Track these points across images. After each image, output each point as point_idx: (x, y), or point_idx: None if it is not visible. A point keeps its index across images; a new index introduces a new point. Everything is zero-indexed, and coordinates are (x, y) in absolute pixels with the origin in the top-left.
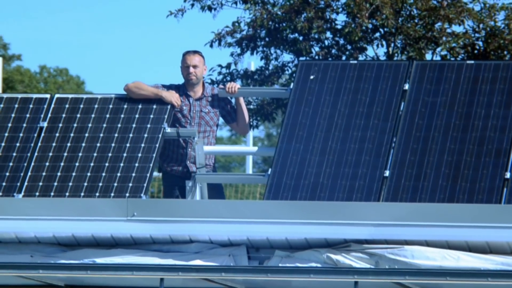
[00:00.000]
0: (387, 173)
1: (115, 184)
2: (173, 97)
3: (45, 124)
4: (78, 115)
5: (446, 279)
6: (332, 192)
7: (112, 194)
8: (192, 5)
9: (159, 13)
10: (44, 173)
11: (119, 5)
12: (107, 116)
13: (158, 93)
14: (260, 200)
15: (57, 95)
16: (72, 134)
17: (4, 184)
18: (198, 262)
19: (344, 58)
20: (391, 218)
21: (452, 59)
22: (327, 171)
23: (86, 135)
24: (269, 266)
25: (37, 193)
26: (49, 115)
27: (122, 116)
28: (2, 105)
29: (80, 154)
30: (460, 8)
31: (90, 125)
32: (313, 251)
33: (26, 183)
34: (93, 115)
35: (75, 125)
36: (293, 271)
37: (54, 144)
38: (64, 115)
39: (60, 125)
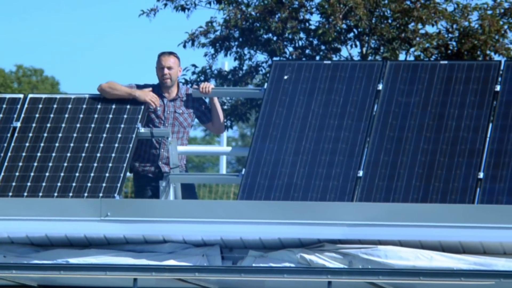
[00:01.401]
0: (360, 173)
1: (89, 184)
2: (147, 95)
3: (18, 124)
4: (52, 115)
5: (419, 279)
6: (306, 192)
7: (86, 194)
8: (165, 4)
9: (131, 12)
10: (17, 173)
11: (92, 6)
12: (81, 116)
13: (131, 93)
14: (234, 200)
15: (30, 95)
16: (45, 134)
17: None
18: (171, 262)
19: (318, 58)
20: (364, 218)
21: (426, 59)
22: (301, 171)
23: (60, 135)
24: (243, 266)
25: (10, 193)
26: (23, 115)
27: (96, 116)
28: None
29: (54, 154)
30: (433, 8)
31: (63, 125)
32: (287, 251)
33: None
34: (66, 115)
35: (48, 125)
36: (266, 271)
37: (27, 144)
38: (37, 115)
39: (34, 125)
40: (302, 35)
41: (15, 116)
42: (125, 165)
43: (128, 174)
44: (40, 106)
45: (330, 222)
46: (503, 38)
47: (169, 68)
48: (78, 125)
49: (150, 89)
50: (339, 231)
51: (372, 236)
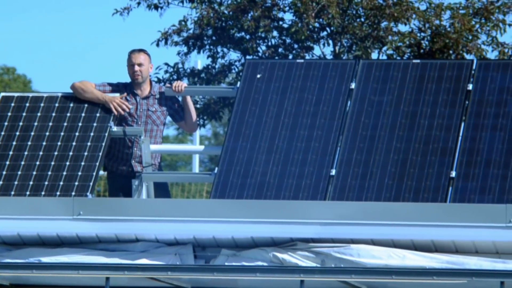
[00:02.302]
0: (333, 172)
1: (61, 183)
2: (114, 102)
3: None
4: (24, 114)
5: (391, 278)
6: (279, 191)
7: (58, 193)
8: (139, 3)
9: (104, 11)
10: None
11: (65, 4)
12: (53, 114)
13: (101, 98)
14: (207, 199)
15: (2, 94)
16: (17, 133)
17: None
18: (144, 261)
19: (290, 57)
20: (337, 216)
21: (398, 58)
22: (274, 170)
23: (32, 133)
24: (215, 265)
25: None
26: None
27: (68, 114)
28: None
29: (26, 152)
30: (405, 7)
31: (36, 123)
32: (259, 250)
33: None
34: (39, 114)
35: (20, 123)
36: (239, 270)
37: None
38: (9, 114)
39: (6, 123)
40: (275, 33)
41: None
42: (97, 163)
43: (101, 172)
44: (13, 104)
45: (302, 221)
46: (475, 38)
47: (139, 64)
48: (50, 124)
49: (119, 95)
50: (312, 230)
51: (345, 235)
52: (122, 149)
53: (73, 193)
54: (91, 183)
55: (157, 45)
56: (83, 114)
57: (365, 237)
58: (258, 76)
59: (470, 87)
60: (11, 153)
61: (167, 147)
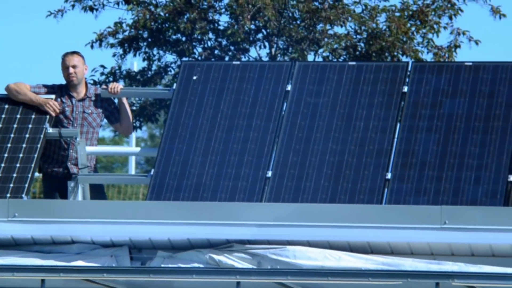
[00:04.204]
0: (269, 173)
1: None
2: (49, 104)
3: None
4: None
5: (327, 279)
6: (215, 192)
7: None
8: (73, 5)
9: (38, 12)
10: None
11: None
12: None
13: (36, 101)
14: (143, 201)
15: None
16: None
17: None
18: (79, 263)
19: (227, 59)
20: (273, 218)
21: (334, 60)
22: (210, 172)
23: None
24: (151, 267)
25: None
26: None
27: (3, 116)
28: None
29: None
30: (341, 10)
31: None
32: (196, 252)
33: None
34: None
35: None
36: (175, 272)
37: None
38: None
39: None
40: (211, 35)
41: None
42: (33, 165)
43: (36, 174)
44: None
45: (239, 223)
46: (411, 40)
47: (73, 66)
48: None
49: (53, 97)
50: (248, 231)
51: (281, 236)
52: (57, 151)
53: (8, 195)
54: (26, 185)
55: (92, 47)
56: (18, 116)
57: (301, 239)
58: (194, 78)
59: (405, 89)
60: None
61: (103, 149)
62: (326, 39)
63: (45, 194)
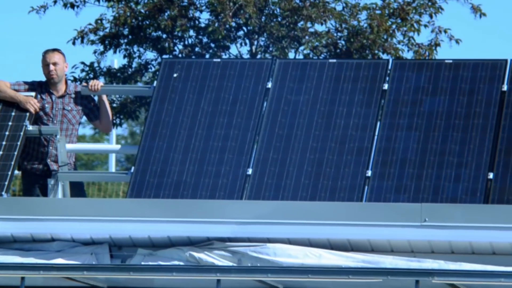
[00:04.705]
0: (250, 171)
1: None
2: (29, 102)
3: None
4: None
5: (308, 277)
6: (195, 190)
7: None
8: (55, 1)
9: (20, 8)
10: None
11: None
12: None
13: (15, 98)
14: (123, 198)
15: None
16: None
17: None
18: (60, 260)
19: (207, 56)
20: (253, 216)
21: (315, 58)
22: (190, 169)
23: None
24: (132, 265)
25: None
26: None
27: None
28: None
29: None
30: (322, 8)
31: None
32: (176, 249)
33: None
34: None
35: None
36: (155, 269)
37: None
38: None
39: None
40: (191, 33)
41: None
42: (12, 163)
43: (16, 172)
44: None
45: (219, 220)
46: (391, 38)
47: (54, 64)
48: None
49: (33, 94)
50: (228, 229)
51: (261, 234)
52: (37, 148)
53: None
54: (6, 183)
55: (73, 43)
56: None
57: (282, 236)
58: (175, 75)
59: (385, 86)
60: None
61: (84, 146)
62: (307, 37)
63: (24, 191)
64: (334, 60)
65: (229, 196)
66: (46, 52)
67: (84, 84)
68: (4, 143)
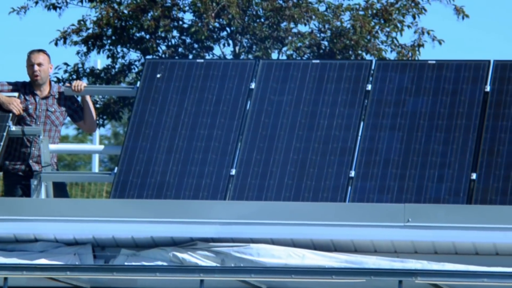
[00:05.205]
0: (233, 171)
1: None
2: (12, 103)
3: None
4: None
5: (291, 277)
6: (179, 190)
7: None
8: (36, 2)
9: (0, 9)
10: None
11: None
12: None
13: None
14: (106, 199)
15: None
16: None
17: None
18: (43, 261)
19: (190, 57)
20: (237, 216)
21: (298, 58)
22: (174, 170)
23: None
24: (115, 265)
25: None
26: None
27: None
28: None
29: None
30: (305, 8)
31: None
32: (159, 250)
33: None
34: None
35: None
36: (139, 270)
37: None
38: None
39: None
40: (175, 33)
41: None
42: None
43: None
44: None
45: (202, 221)
46: (374, 39)
47: (39, 64)
48: None
49: (17, 94)
50: (212, 229)
51: (245, 234)
52: (19, 148)
53: None
54: None
55: (56, 44)
56: None
57: (265, 237)
58: (158, 75)
59: (369, 87)
60: None
61: (67, 147)
62: (290, 37)
63: (6, 192)
64: (318, 61)
65: (212, 197)
66: (31, 53)
67: (67, 84)
68: None
